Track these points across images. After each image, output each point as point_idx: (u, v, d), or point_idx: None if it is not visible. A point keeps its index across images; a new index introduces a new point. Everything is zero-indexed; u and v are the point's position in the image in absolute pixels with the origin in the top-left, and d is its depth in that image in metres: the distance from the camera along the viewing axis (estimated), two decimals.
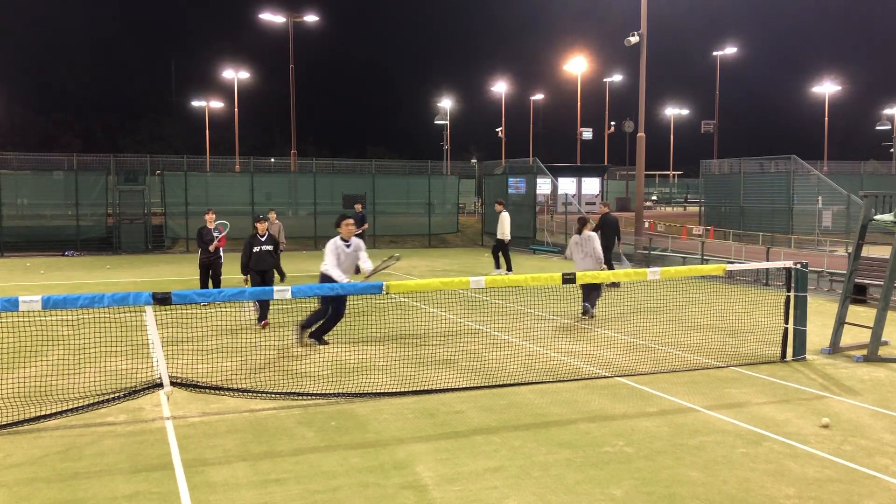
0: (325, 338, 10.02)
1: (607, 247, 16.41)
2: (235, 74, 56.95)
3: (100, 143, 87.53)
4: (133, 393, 7.09)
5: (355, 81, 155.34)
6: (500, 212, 19.21)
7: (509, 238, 19.24)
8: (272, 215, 15.71)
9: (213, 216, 13.80)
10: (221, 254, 13.65)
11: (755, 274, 17.00)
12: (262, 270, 11.24)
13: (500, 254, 19.25)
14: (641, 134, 24.56)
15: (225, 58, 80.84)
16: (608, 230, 16.27)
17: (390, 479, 5.43)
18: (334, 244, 9.79)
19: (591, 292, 12.44)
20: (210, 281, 13.62)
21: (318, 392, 7.61)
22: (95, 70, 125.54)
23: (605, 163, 68.44)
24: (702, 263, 17.87)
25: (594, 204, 50.32)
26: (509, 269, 18.93)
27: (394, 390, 7.73)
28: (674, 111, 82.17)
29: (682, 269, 10.00)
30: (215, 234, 13.41)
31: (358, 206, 20.35)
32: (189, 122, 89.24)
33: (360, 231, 19.21)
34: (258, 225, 11.47)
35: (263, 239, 11.30)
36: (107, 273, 19.62)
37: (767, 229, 27.70)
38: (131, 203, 26.50)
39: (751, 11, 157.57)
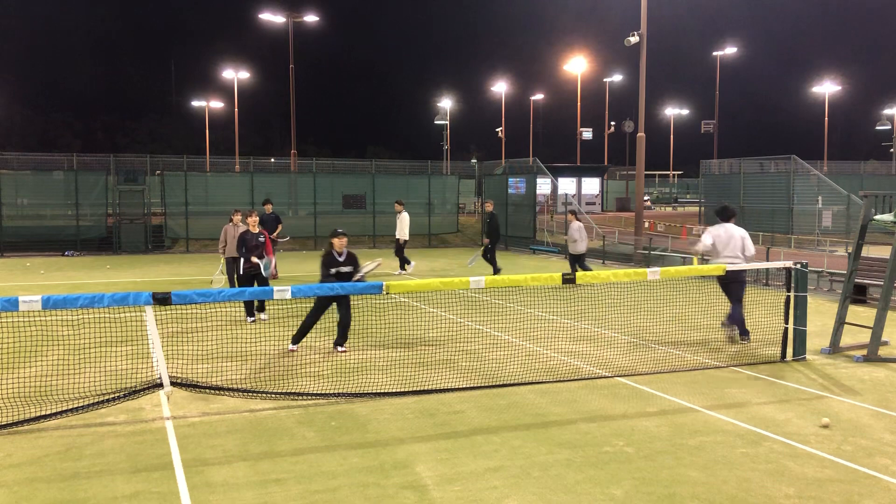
0: None
1: (494, 243, 18.74)
2: (235, 74, 56.99)
3: (100, 143, 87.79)
4: (133, 393, 7.09)
5: (355, 81, 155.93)
6: (400, 212, 19.59)
7: (407, 239, 19.57)
8: (237, 217, 12.84)
9: (257, 218, 11.81)
10: (262, 264, 11.63)
11: (755, 274, 17.00)
12: (338, 297, 9.18)
13: (400, 254, 19.54)
14: (641, 134, 24.56)
15: (225, 58, 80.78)
16: (493, 228, 18.61)
17: (390, 479, 5.43)
18: None
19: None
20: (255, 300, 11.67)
21: (318, 392, 7.61)
22: (95, 70, 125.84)
23: (605, 163, 68.51)
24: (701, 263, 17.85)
25: (594, 204, 50.39)
26: (405, 265, 19.30)
27: (394, 390, 7.73)
28: (674, 111, 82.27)
29: (682, 269, 9.99)
30: (260, 240, 11.51)
31: (268, 207, 17.17)
32: (189, 122, 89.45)
33: (276, 234, 16.92)
34: (335, 241, 9.27)
35: (342, 259, 9.27)
36: (107, 273, 19.62)
37: (767, 229, 27.73)
38: (131, 203, 26.50)
39: (751, 11, 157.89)
